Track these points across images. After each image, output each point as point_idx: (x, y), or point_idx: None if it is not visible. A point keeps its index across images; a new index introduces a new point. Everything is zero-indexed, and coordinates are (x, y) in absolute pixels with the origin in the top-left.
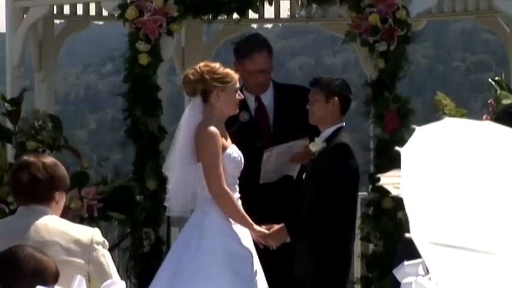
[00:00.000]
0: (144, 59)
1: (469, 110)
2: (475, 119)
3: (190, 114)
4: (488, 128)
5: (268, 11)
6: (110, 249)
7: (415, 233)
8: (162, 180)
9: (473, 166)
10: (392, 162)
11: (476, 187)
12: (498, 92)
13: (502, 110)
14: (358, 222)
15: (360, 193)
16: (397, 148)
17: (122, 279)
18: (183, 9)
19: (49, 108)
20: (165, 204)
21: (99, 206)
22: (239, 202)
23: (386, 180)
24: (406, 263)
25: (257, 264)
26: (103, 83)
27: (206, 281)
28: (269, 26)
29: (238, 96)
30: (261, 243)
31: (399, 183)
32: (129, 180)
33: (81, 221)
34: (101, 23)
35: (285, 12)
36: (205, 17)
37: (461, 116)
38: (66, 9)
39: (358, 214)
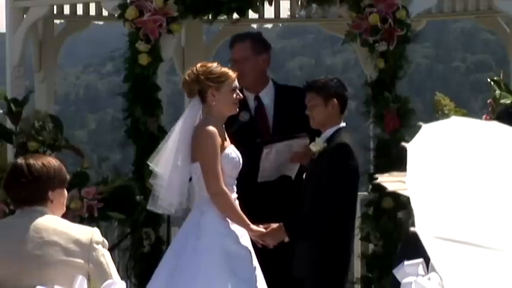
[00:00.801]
0: (144, 59)
1: (469, 110)
2: (475, 119)
3: (189, 114)
4: (495, 127)
5: (268, 11)
6: (110, 249)
7: (420, 228)
8: None
9: (480, 162)
10: (393, 162)
11: (482, 183)
12: (497, 91)
13: (502, 109)
14: (358, 222)
15: (360, 193)
16: (403, 143)
17: (122, 279)
18: (183, 9)
19: (49, 108)
20: (154, 199)
21: (99, 206)
22: (236, 202)
23: (384, 178)
24: (406, 263)
25: (255, 264)
26: (103, 83)
27: (204, 280)
28: (269, 26)
29: (236, 95)
30: (259, 242)
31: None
32: (129, 180)
33: (81, 221)
34: (101, 23)
35: (285, 12)
36: (205, 17)
37: (461, 116)
38: (66, 9)
39: (358, 214)
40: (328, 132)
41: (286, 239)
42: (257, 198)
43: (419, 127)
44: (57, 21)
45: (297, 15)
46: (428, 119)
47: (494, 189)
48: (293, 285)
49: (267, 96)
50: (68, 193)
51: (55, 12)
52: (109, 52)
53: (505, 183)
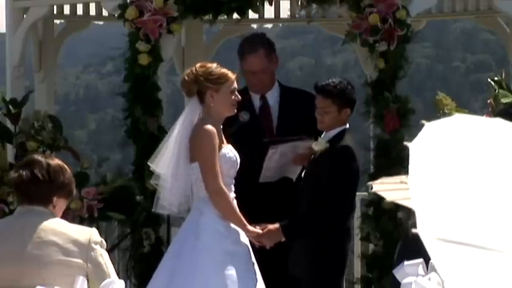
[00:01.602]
0: (144, 59)
1: (469, 110)
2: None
3: (187, 114)
4: (499, 124)
5: (268, 11)
6: (110, 250)
7: (422, 229)
8: None
9: (483, 162)
10: (393, 162)
11: (484, 183)
12: (497, 91)
13: (502, 109)
14: (358, 222)
15: (360, 193)
16: (405, 143)
17: (121, 279)
18: (183, 9)
19: (49, 108)
20: (156, 200)
21: (99, 206)
22: (234, 202)
23: (379, 187)
24: (406, 263)
25: (254, 263)
26: (103, 83)
27: (202, 280)
28: (269, 26)
29: (235, 97)
30: (256, 243)
31: (392, 189)
32: (129, 180)
33: (81, 221)
34: (101, 23)
35: (285, 12)
36: (206, 17)
37: None
38: (66, 9)
39: (358, 214)
40: (331, 133)
41: (283, 239)
42: (257, 198)
43: (422, 126)
44: (57, 21)
45: (297, 15)
46: (429, 119)
47: (497, 189)
48: (290, 284)
49: (273, 96)
50: (68, 200)
51: (55, 12)
52: (109, 52)
53: (508, 184)
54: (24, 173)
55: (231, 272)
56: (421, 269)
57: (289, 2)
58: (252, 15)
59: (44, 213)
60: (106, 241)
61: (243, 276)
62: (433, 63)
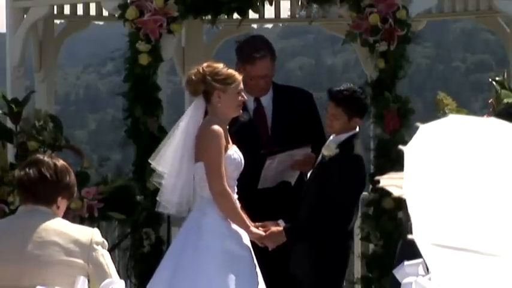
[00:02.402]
0: (144, 59)
1: (469, 110)
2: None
3: (192, 113)
4: (493, 124)
5: (269, 11)
6: (110, 250)
7: (417, 234)
8: None
9: (477, 166)
10: (393, 162)
11: (479, 187)
12: (499, 91)
13: (502, 109)
14: (358, 222)
15: None
16: (400, 147)
17: (122, 279)
18: (183, 9)
19: (49, 108)
20: (158, 199)
21: (100, 206)
22: (237, 203)
23: (386, 182)
24: (406, 263)
25: (255, 264)
26: (103, 83)
27: (204, 280)
28: (269, 26)
29: (241, 97)
30: (258, 244)
31: (400, 184)
32: (130, 180)
33: (82, 221)
34: (101, 23)
35: (285, 12)
36: (206, 17)
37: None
38: (67, 9)
39: (358, 214)
40: (341, 137)
41: (285, 240)
42: (256, 203)
43: (417, 128)
44: (57, 21)
45: (297, 15)
46: (429, 119)
47: (492, 193)
48: (291, 284)
49: (267, 97)
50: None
51: (55, 12)
52: (109, 52)
53: (502, 187)
54: (31, 171)
55: (233, 272)
56: (421, 269)
57: (289, 2)
58: (252, 15)
59: (46, 213)
60: (106, 241)
61: (245, 277)
62: (433, 63)
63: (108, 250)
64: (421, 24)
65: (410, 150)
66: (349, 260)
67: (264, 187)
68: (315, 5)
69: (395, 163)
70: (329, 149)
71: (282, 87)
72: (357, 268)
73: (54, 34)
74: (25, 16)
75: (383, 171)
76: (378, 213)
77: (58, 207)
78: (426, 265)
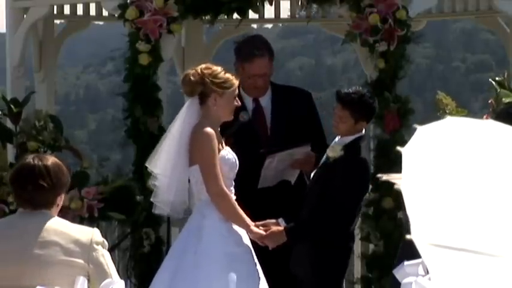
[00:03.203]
0: (144, 59)
1: (469, 110)
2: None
3: (186, 114)
4: (491, 126)
5: (268, 11)
6: (110, 250)
7: (416, 235)
8: None
9: (475, 167)
10: (393, 162)
11: (478, 188)
12: (498, 91)
13: (502, 109)
14: (358, 222)
15: None
16: (398, 148)
17: (122, 279)
18: (183, 10)
19: (49, 108)
20: (152, 200)
21: (100, 206)
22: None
23: (389, 176)
24: (406, 263)
25: (257, 266)
26: (103, 83)
27: (205, 283)
28: (269, 26)
29: (236, 102)
30: (259, 243)
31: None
32: (130, 180)
33: (82, 221)
34: (101, 23)
35: (285, 12)
36: (206, 17)
37: (462, 116)
38: (66, 9)
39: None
40: (346, 139)
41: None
42: (257, 202)
43: (415, 129)
44: (57, 21)
45: (297, 15)
46: (429, 119)
47: (490, 193)
48: (291, 283)
49: (265, 97)
50: (67, 193)
51: (55, 12)
52: (109, 52)
53: (501, 187)
54: (27, 184)
55: (234, 274)
56: (421, 269)
57: (289, 2)
58: (252, 15)
59: (45, 213)
60: (106, 241)
61: (246, 279)
62: (433, 63)
63: (108, 250)
64: (421, 24)
65: (408, 152)
66: (349, 260)
67: (264, 186)
68: (314, 5)
69: (395, 163)
70: (334, 150)
71: (280, 87)
72: (357, 268)
73: (54, 34)
74: (25, 16)
75: (383, 171)
76: (377, 213)
77: (58, 205)
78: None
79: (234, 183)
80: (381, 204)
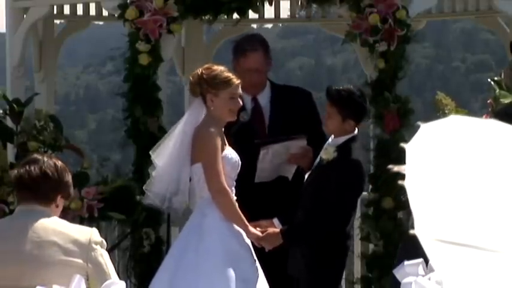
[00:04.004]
0: (144, 59)
1: (469, 110)
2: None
3: (192, 113)
4: (494, 125)
5: (268, 11)
6: (110, 250)
7: (420, 230)
8: None
9: (479, 163)
10: (393, 162)
11: (481, 184)
12: (497, 91)
13: (500, 109)
14: (358, 222)
15: None
16: (401, 144)
17: (121, 279)
18: (183, 10)
19: (49, 108)
20: (145, 188)
21: (99, 206)
22: (236, 204)
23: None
24: (406, 263)
25: (257, 265)
26: (103, 83)
27: (206, 282)
28: (269, 26)
29: (236, 103)
30: (256, 244)
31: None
32: (130, 180)
33: (81, 221)
34: (101, 23)
35: (285, 12)
36: (206, 17)
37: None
38: (66, 9)
39: (358, 214)
40: (339, 140)
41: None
42: (254, 198)
43: (418, 127)
44: (57, 21)
45: (297, 15)
46: (429, 119)
47: (493, 189)
48: (289, 284)
49: (264, 96)
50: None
51: (55, 12)
52: (109, 52)
53: (504, 184)
54: (33, 169)
55: (235, 273)
56: (421, 269)
57: (289, 2)
58: (252, 15)
59: (44, 213)
60: (106, 241)
61: (246, 278)
62: (433, 63)
63: (108, 250)
64: (421, 24)
65: (411, 148)
66: (346, 261)
67: (261, 181)
68: (314, 5)
69: (395, 163)
70: (327, 152)
71: (280, 87)
72: (357, 268)
73: (54, 34)
74: (25, 16)
75: (383, 171)
76: (377, 213)
77: (57, 206)
78: (426, 265)
79: (235, 183)
80: (381, 204)
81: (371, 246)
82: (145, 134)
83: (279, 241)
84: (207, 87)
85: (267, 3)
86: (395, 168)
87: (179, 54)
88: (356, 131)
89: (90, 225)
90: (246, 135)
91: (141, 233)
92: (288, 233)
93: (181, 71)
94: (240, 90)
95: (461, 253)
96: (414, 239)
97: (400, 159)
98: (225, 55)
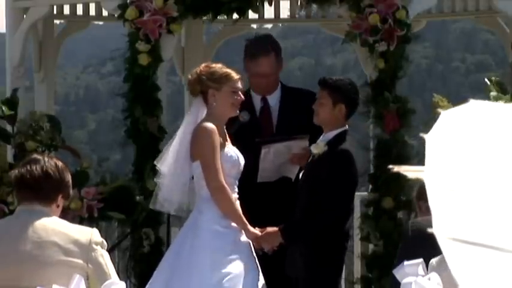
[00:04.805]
0: (144, 59)
1: None
2: None
3: (192, 113)
4: None
5: (268, 11)
6: (110, 250)
7: (437, 228)
8: None
9: (501, 157)
10: (393, 162)
11: (503, 180)
12: (491, 93)
13: None
14: (358, 222)
15: (359, 193)
16: (421, 134)
17: (121, 279)
18: (183, 9)
19: (49, 108)
20: (155, 196)
21: (99, 206)
22: (237, 203)
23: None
24: (406, 263)
25: (253, 262)
26: (103, 83)
27: (197, 279)
28: (269, 26)
29: (237, 97)
30: (255, 244)
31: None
32: (129, 180)
33: (81, 221)
34: (101, 23)
35: (285, 12)
36: (206, 17)
37: None
38: (66, 10)
39: (358, 214)
40: (330, 134)
41: (281, 242)
42: (256, 198)
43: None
44: (57, 21)
45: (297, 15)
46: (428, 119)
47: None
48: (287, 283)
49: (274, 97)
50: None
51: (55, 12)
52: (109, 52)
53: None
54: (34, 168)
55: (228, 270)
56: (421, 269)
57: (289, 2)
58: (252, 15)
59: (44, 213)
60: (106, 241)
61: (242, 275)
62: (433, 63)
63: (108, 250)
64: (421, 24)
65: (431, 139)
66: (345, 261)
67: (264, 180)
68: (314, 5)
69: (395, 163)
70: (318, 147)
71: (290, 89)
72: (357, 268)
73: (54, 34)
74: (25, 16)
75: (383, 171)
76: (377, 213)
77: (58, 206)
78: (426, 265)
79: (237, 182)
80: (381, 204)
81: (371, 246)
82: (145, 134)
83: (278, 240)
84: (208, 83)
85: (267, 3)
86: (396, 168)
87: (179, 54)
88: (346, 126)
89: (90, 225)
90: (251, 135)
91: (140, 233)
92: (287, 231)
93: (181, 71)
94: (240, 85)
95: (478, 253)
96: (413, 240)
97: (400, 159)
98: (225, 55)
